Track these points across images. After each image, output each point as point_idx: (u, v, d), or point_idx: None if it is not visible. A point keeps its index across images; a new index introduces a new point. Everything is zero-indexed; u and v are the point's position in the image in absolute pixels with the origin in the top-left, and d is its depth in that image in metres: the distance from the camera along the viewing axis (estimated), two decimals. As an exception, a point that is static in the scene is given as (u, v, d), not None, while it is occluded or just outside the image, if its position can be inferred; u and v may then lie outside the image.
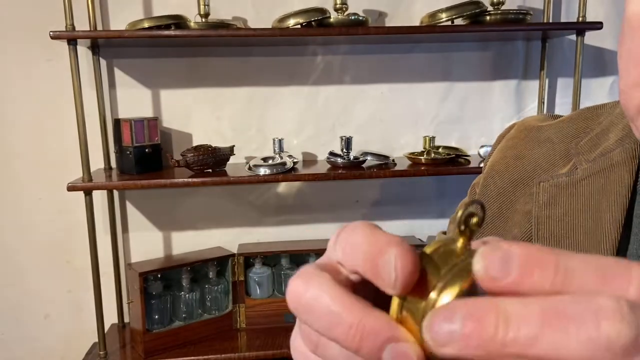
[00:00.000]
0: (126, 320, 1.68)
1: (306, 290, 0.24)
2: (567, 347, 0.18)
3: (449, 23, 1.49)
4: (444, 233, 0.67)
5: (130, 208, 1.68)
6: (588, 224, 0.47)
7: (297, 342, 0.28)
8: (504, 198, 0.55)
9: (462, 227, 0.24)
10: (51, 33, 1.33)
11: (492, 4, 1.52)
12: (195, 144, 1.60)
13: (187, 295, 1.57)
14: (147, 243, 1.69)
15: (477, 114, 1.72)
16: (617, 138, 0.50)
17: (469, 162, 1.57)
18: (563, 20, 1.68)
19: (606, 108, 0.55)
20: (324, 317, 0.24)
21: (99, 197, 1.62)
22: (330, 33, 1.43)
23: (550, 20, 1.65)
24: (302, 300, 0.24)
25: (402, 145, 1.72)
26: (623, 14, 0.44)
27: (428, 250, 0.24)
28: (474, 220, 0.24)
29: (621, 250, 0.46)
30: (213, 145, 1.51)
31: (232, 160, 1.55)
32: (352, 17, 1.47)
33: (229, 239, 1.71)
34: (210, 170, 1.50)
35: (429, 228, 1.78)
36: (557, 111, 1.74)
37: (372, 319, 0.23)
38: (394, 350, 0.22)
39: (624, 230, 0.46)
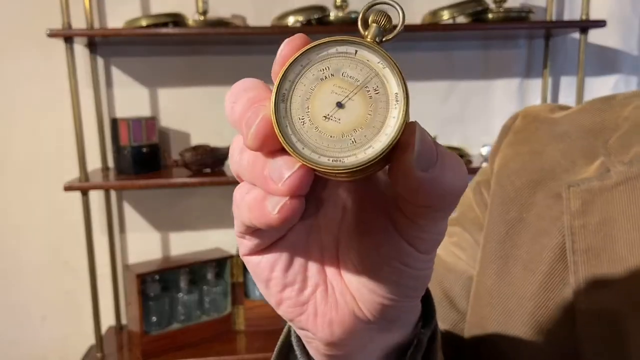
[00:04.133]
0: (124, 322, 1.66)
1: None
2: None
3: (451, 21, 1.48)
4: None
5: (127, 208, 1.66)
6: (631, 235, 0.42)
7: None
8: (523, 200, 0.50)
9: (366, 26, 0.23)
10: (48, 31, 1.31)
11: (495, 2, 1.51)
12: (193, 143, 1.59)
13: (185, 297, 1.55)
14: (144, 244, 1.67)
15: (479, 113, 1.70)
16: None
17: (470, 161, 1.55)
18: (566, 18, 1.66)
19: (619, 99, 0.51)
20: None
21: (96, 197, 1.61)
22: (330, 31, 1.41)
23: (553, 19, 1.64)
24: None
25: (403, 144, 1.70)
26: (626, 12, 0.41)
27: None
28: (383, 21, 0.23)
29: None
30: (211, 145, 1.49)
31: (231, 160, 1.53)
32: (353, 15, 1.45)
33: (227, 239, 1.69)
34: (208, 170, 1.48)
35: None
36: (560, 110, 1.72)
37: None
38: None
39: None
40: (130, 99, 1.60)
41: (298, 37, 0.24)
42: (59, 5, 1.35)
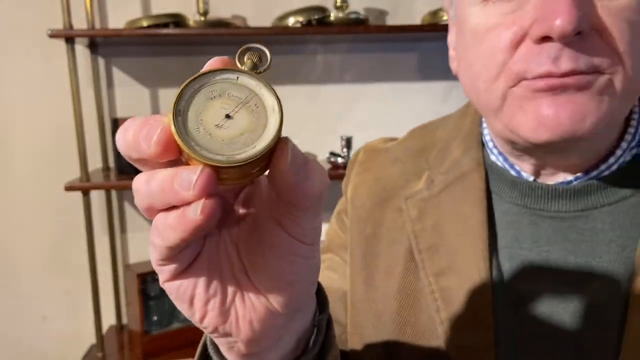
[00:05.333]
0: (124, 321, 1.67)
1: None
2: None
3: (451, 21, 1.48)
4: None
5: (128, 208, 1.67)
6: (458, 229, 0.52)
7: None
8: (375, 217, 0.59)
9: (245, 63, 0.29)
10: (49, 32, 1.31)
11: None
12: (194, 143, 1.59)
13: (186, 297, 1.55)
14: (145, 243, 1.67)
15: (478, 113, 1.71)
16: (461, 150, 0.56)
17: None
18: (565, 18, 1.67)
19: (431, 126, 0.65)
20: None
21: (97, 197, 1.61)
22: (331, 32, 1.42)
23: (553, 19, 1.64)
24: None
25: (403, 145, 1.70)
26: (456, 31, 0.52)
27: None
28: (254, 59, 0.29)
29: (492, 246, 0.51)
30: (212, 145, 1.49)
31: (231, 160, 1.53)
32: (353, 16, 1.45)
33: (228, 239, 1.70)
34: (209, 170, 1.48)
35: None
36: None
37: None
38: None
39: (489, 228, 0.52)
40: (131, 99, 1.60)
41: (222, 58, 0.30)
42: (60, 5, 1.35)
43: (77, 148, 1.41)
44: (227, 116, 0.28)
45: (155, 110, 1.61)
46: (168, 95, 1.61)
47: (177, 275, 0.31)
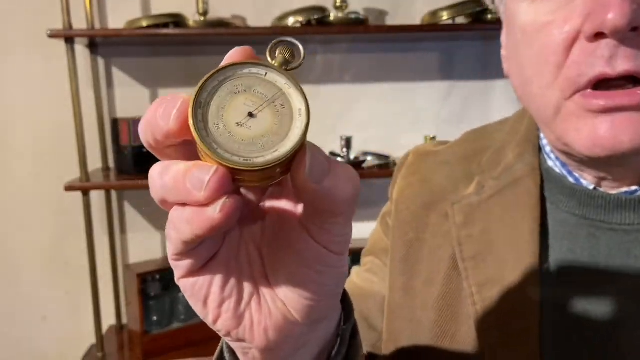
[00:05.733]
0: (124, 321, 1.67)
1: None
2: None
3: (450, 22, 1.48)
4: None
5: (128, 208, 1.67)
6: (507, 237, 0.49)
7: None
8: (419, 221, 0.56)
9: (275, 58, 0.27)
10: (48, 32, 1.31)
11: (494, 2, 1.51)
12: (194, 143, 1.59)
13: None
14: (145, 243, 1.67)
15: (478, 113, 1.71)
16: (515, 154, 0.53)
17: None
18: (565, 18, 1.67)
19: (489, 130, 0.60)
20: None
21: (97, 198, 1.61)
22: (331, 32, 1.42)
23: (553, 19, 1.64)
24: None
25: (402, 145, 1.69)
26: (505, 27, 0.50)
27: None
28: (287, 55, 0.27)
29: (542, 256, 0.48)
30: (212, 145, 1.49)
31: (231, 160, 1.53)
32: (352, 16, 1.45)
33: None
34: (209, 170, 1.48)
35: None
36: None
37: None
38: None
39: (541, 238, 0.48)
40: (131, 99, 1.60)
41: (243, 48, 0.28)
42: (60, 5, 1.35)
43: (77, 148, 1.41)
44: (250, 114, 0.26)
45: (155, 110, 1.61)
46: (168, 95, 1.61)
47: (192, 272, 0.30)
